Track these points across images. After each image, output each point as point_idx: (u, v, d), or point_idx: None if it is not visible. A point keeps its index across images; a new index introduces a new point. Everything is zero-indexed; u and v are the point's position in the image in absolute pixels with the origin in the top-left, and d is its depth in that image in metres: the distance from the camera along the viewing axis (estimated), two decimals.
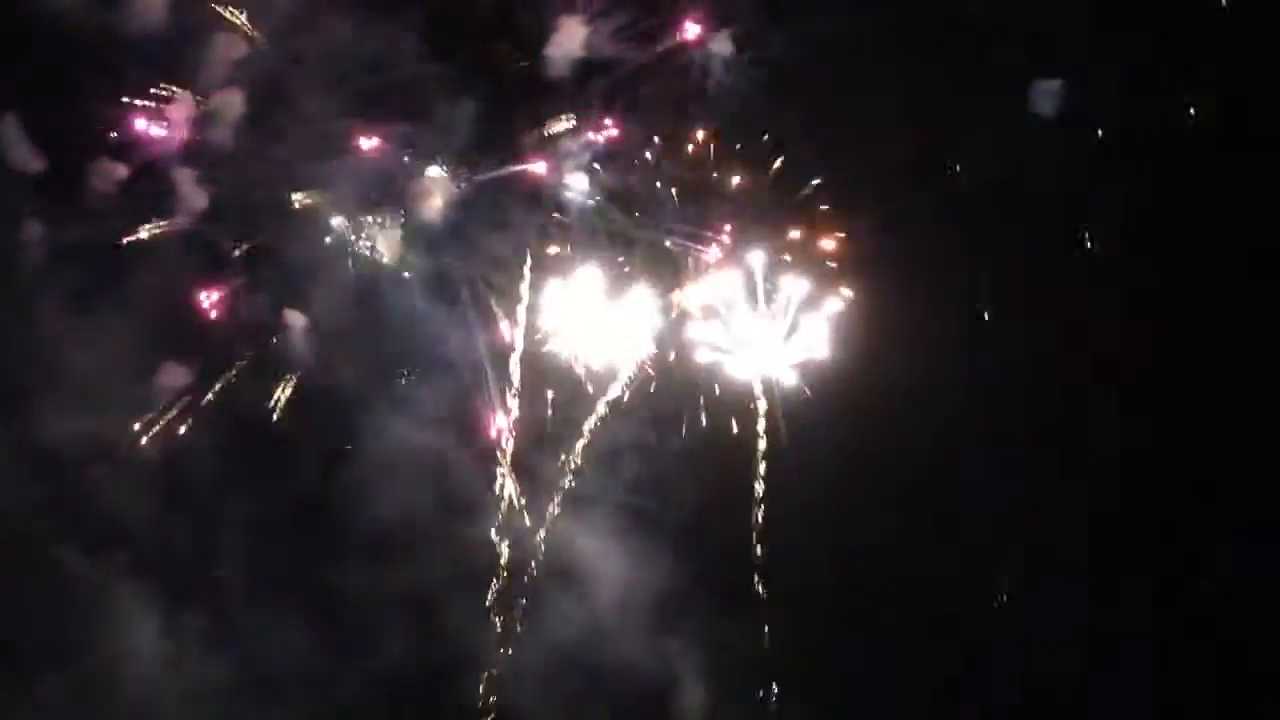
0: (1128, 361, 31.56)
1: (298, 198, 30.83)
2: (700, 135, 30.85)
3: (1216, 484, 30.90)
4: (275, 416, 31.38)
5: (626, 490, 31.94)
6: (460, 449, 31.37)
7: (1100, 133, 31.76)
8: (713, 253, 30.87)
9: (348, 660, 30.71)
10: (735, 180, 30.98)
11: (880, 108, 30.37)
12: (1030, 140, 31.17)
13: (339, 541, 30.88)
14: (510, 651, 32.08)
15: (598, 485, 31.86)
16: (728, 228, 30.93)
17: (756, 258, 30.76)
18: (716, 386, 31.87)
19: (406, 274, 31.09)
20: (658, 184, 31.04)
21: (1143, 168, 31.35)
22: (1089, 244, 32.22)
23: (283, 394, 31.32)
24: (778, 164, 30.89)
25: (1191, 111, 31.87)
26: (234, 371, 31.08)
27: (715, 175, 31.02)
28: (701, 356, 31.60)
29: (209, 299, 30.84)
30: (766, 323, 31.31)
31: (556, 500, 32.20)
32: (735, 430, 32.03)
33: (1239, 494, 30.96)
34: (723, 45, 30.06)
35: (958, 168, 31.81)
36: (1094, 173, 31.61)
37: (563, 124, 30.86)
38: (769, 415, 32.02)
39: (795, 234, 31.02)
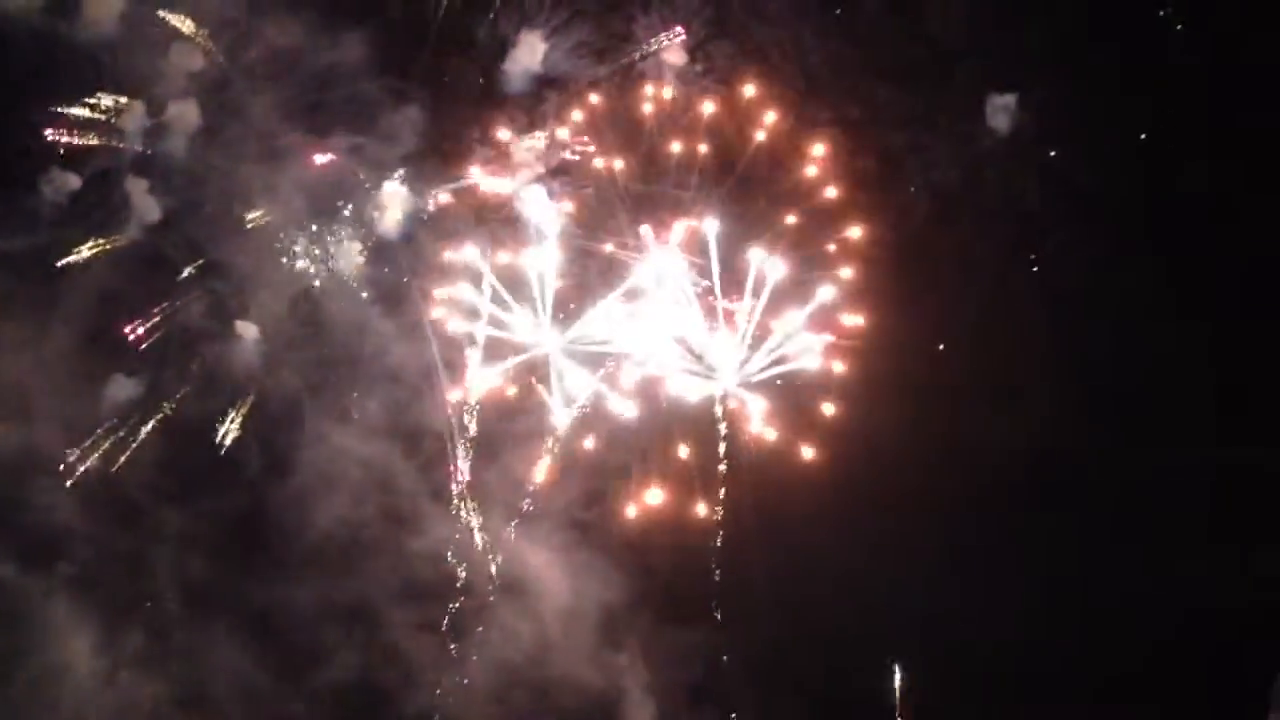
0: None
1: (252, 217, 30.54)
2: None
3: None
4: (228, 441, 30.86)
5: (581, 508, 31.46)
6: (410, 464, 30.95)
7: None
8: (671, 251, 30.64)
9: (295, 677, 30.00)
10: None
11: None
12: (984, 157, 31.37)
13: (281, 557, 30.32)
14: (465, 680, 31.47)
15: (551, 503, 31.43)
16: (691, 223, 30.77)
17: (710, 225, 30.53)
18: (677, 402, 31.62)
19: (359, 285, 30.76)
20: (615, 195, 30.92)
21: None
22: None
23: (237, 417, 30.85)
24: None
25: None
26: (173, 402, 30.55)
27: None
28: (659, 373, 31.33)
29: (137, 330, 30.36)
30: (729, 337, 31.16)
31: (513, 525, 31.79)
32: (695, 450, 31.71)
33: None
34: (676, 56, 30.18)
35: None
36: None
37: (531, 141, 30.80)
38: (729, 436, 31.81)
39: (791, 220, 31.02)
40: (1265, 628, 30.04)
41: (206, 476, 30.67)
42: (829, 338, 31.42)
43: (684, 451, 31.57)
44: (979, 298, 31.74)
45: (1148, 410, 31.19)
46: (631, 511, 31.35)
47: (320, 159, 30.51)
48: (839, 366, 31.44)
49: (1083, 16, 31.34)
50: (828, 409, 31.29)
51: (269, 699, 29.99)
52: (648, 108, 30.82)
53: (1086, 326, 31.20)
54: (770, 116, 30.77)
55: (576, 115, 30.85)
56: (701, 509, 31.64)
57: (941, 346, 32.34)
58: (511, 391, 31.43)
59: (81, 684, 29.65)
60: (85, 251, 30.08)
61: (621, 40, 30.53)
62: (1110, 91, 31.43)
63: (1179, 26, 32.54)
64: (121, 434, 30.34)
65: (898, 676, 31.75)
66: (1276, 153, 31.00)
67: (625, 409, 31.21)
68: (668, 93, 30.67)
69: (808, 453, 31.24)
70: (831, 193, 31.15)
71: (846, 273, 31.26)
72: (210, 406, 30.57)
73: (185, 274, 30.37)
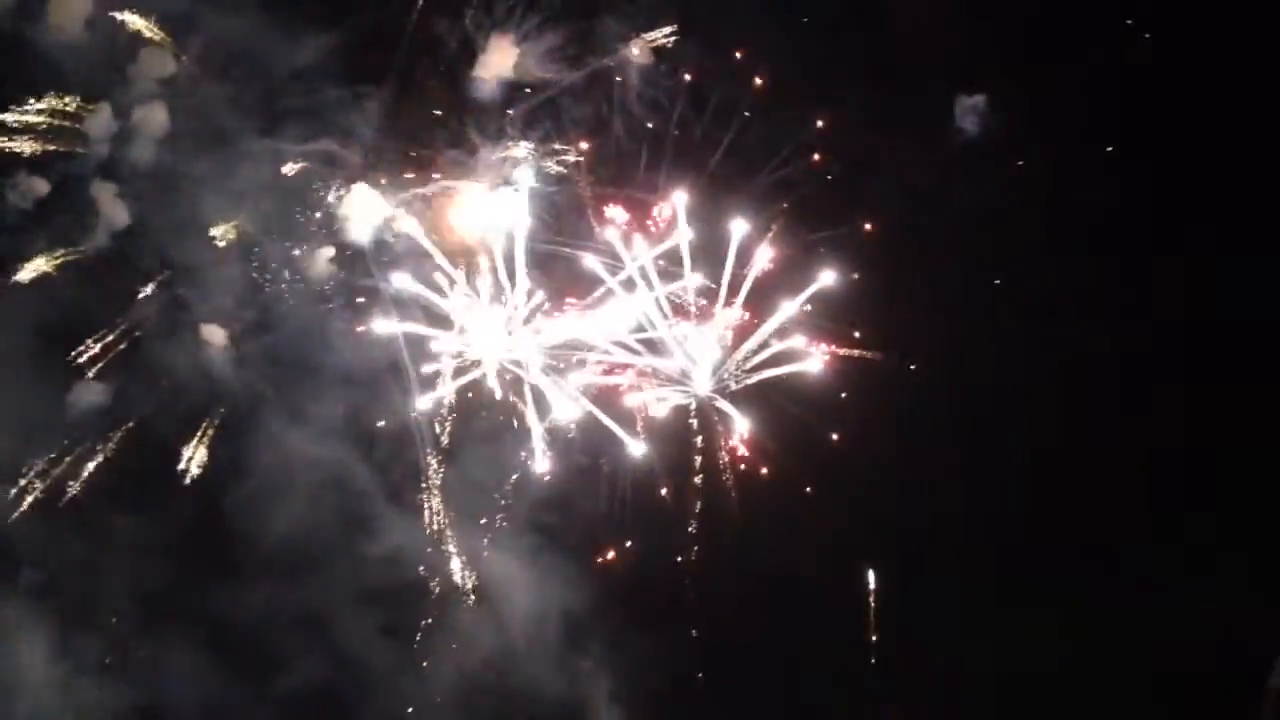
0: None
1: (219, 231, 30.21)
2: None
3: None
4: (198, 458, 30.40)
5: (551, 517, 31.18)
6: (381, 472, 30.73)
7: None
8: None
9: (261, 688, 29.62)
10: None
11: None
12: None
13: (241, 567, 29.96)
14: (438, 699, 31.03)
15: (522, 512, 31.15)
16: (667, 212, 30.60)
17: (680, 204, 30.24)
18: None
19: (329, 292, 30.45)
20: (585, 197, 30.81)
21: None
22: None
23: (210, 428, 30.43)
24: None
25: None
26: (140, 409, 30.10)
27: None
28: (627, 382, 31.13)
29: (104, 339, 29.95)
30: (705, 342, 30.95)
31: (486, 538, 31.44)
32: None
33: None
34: (642, 56, 30.17)
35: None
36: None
37: (502, 151, 30.64)
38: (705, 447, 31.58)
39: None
40: (1261, 626, 30.06)
41: (171, 485, 30.18)
42: (801, 343, 31.24)
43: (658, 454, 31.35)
44: (949, 301, 31.74)
45: (1122, 412, 31.17)
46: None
47: (289, 164, 30.25)
48: (812, 372, 31.30)
49: (1049, 22, 31.55)
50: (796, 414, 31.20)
51: (235, 710, 29.63)
52: (617, 110, 30.77)
53: (1055, 330, 31.25)
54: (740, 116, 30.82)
55: (546, 119, 30.74)
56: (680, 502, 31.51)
57: (915, 350, 32.29)
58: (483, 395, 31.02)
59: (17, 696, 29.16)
60: (48, 263, 29.75)
61: (591, 44, 30.44)
62: (1078, 96, 31.59)
63: (1146, 36, 32.80)
64: (87, 444, 29.92)
65: (871, 580, 31.41)
66: (1243, 155, 31.17)
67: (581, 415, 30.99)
68: (637, 94, 30.61)
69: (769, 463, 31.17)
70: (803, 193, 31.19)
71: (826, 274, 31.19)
72: (178, 411, 30.10)
73: (149, 279, 30.01)
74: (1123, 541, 31.41)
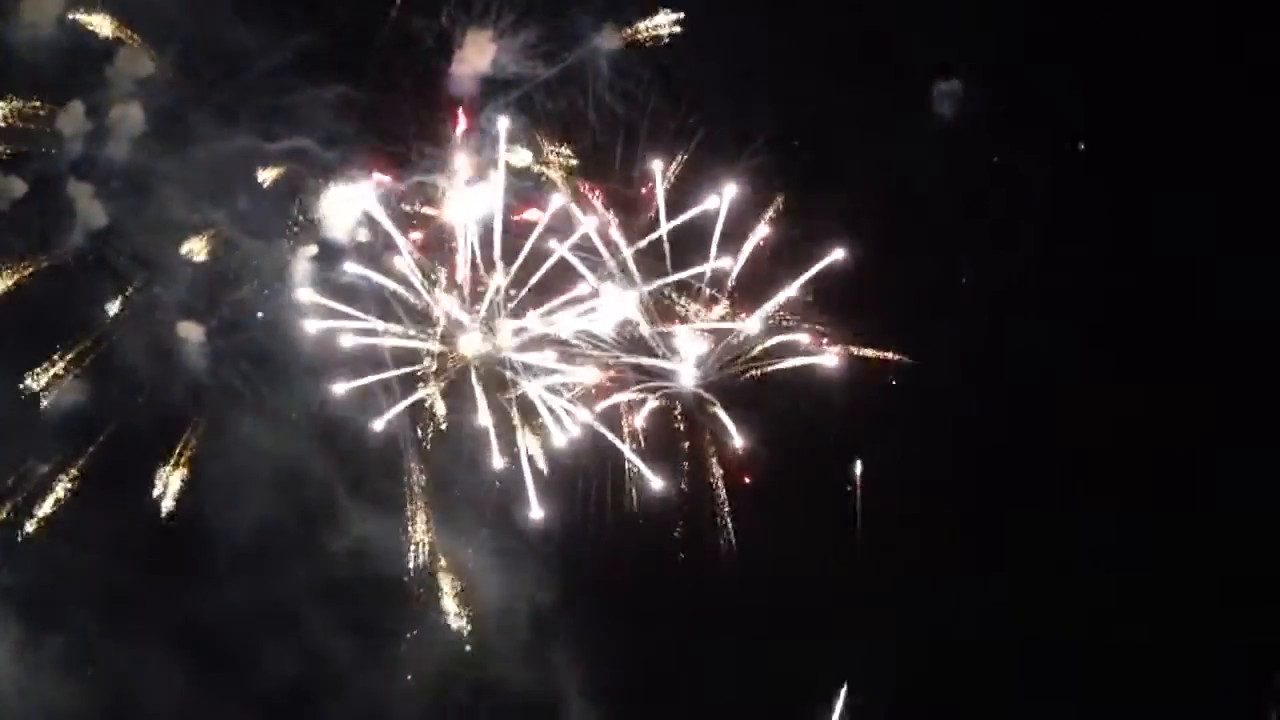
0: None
1: (199, 245, 30.08)
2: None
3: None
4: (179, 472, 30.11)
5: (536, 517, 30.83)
6: (363, 473, 30.51)
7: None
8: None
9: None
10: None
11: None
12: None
13: (206, 563, 29.75)
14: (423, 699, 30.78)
15: (505, 512, 30.90)
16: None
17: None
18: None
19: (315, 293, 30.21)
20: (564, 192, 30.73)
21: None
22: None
23: (191, 438, 30.18)
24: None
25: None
26: (123, 410, 29.85)
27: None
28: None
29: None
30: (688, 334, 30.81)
31: (470, 538, 31.12)
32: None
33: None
34: (611, 40, 30.20)
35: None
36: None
37: (489, 146, 30.57)
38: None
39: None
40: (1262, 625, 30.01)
41: (149, 490, 29.89)
42: (787, 338, 31.10)
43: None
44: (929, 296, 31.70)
45: (1115, 411, 31.01)
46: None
47: (265, 162, 30.16)
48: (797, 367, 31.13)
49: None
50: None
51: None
52: (592, 103, 30.79)
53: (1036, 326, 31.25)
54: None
55: (523, 114, 30.73)
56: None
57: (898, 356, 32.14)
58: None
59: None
60: (24, 265, 29.62)
61: (567, 38, 30.52)
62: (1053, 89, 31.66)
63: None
64: (66, 446, 29.63)
65: (858, 470, 31.04)
66: (1218, 150, 31.25)
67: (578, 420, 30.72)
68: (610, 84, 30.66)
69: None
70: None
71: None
72: (156, 411, 29.88)
73: (125, 279, 29.87)
74: (1121, 541, 31.25)
